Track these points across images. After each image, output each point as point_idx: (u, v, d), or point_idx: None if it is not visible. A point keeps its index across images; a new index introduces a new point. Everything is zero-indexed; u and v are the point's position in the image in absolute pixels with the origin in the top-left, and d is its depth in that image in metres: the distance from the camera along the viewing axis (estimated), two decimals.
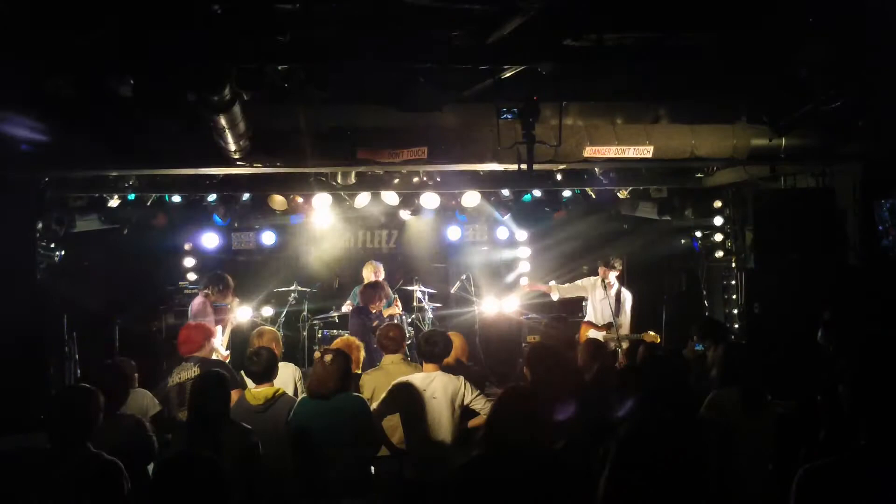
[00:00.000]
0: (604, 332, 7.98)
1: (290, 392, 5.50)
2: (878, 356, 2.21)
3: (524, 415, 3.22)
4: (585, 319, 8.48)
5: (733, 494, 4.28)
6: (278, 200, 9.06)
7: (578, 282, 8.60)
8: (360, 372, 5.68)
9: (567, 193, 9.33)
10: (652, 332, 7.91)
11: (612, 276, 8.24)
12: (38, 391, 6.20)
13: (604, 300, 8.15)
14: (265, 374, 4.87)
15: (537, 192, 9.43)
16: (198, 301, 7.83)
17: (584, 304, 8.85)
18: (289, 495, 4.56)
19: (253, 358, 4.95)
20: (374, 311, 7.81)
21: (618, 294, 8.23)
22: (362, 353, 5.90)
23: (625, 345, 7.98)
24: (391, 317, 8.21)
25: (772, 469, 4.36)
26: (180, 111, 5.75)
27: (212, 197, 8.80)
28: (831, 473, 2.18)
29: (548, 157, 6.60)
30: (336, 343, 5.82)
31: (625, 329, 8.15)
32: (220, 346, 7.12)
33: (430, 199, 9.17)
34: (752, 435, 4.39)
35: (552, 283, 8.67)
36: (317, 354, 5.70)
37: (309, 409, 4.60)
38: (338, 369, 4.60)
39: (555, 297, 8.64)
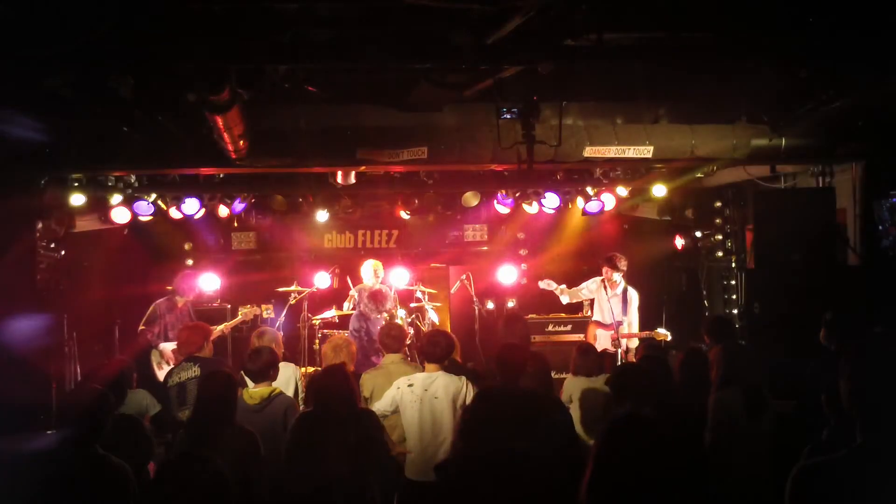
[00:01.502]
0: (612, 332, 7.97)
1: (291, 392, 5.51)
2: (879, 355, 2.21)
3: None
4: (593, 319, 8.48)
5: (734, 494, 4.29)
6: (278, 200, 9.05)
7: (584, 285, 8.59)
8: (352, 369, 5.69)
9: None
10: (662, 331, 7.89)
11: (617, 275, 8.23)
12: (39, 392, 6.20)
13: (610, 300, 8.13)
14: (262, 372, 4.87)
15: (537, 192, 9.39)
16: (157, 302, 7.97)
17: (584, 303, 8.85)
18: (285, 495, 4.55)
19: (252, 356, 4.96)
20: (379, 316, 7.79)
21: (624, 293, 8.22)
22: (353, 348, 5.89)
23: (633, 344, 7.99)
24: (391, 316, 8.21)
25: (771, 469, 4.37)
26: (180, 111, 5.76)
27: (212, 197, 8.79)
28: (826, 472, 2.18)
29: (548, 157, 6.59)
30: (325, 348, 5.83)
31: (633, 328, 8.14)
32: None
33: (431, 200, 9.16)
34: (752, 435, 4.40)
35: (563, 286, 8.66)
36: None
37: None
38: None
39: (564, 300, 8.63)
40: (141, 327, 7.85)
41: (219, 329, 7.64)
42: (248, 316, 8.00)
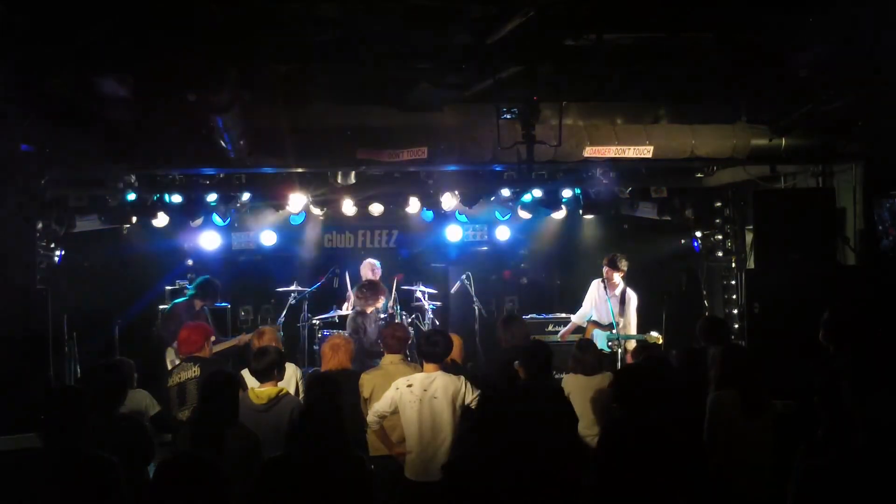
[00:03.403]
0: (608, 333, 7.97)
1: (292, 391, 5.51)
2: (879, 356, 2.21)
3: None
4: (591, 319, 8.47)
5: (733, 494, 4.29)
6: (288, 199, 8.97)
7: (586, 297, 8.57)
8: (350, 368, 5.69)
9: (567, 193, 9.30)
10: (654, 333, 7.89)
11: (617, 275, 8.22)
12: (39, 391, 6.19)
13: (609, 300, 8.13)
14: (268, 371, 4.87)
15: (537, 193, 9.39)
16: (176, 302, 7.99)
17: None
18: None
19: (258, 356, 4.96)
20: (370, 311, 7.76)
21: (622, 294, 8.21)
22: (352, 347, 5.88)
23: (630, 346, 7.98)
24: (391, 316, 8.18)
25: (771, 468, 4.37)
26: (180, 111, 5.76)
27: (212, 197, 8.78)
28: (832, 472, 2.18)
29: (548, 157, 6.60)
30: (324, 347, 5.81)
31: (630, 330, 8.13)
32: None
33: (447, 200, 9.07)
34: (752, 435, 4.39)
35: (573, 317, 8.66)
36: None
37: None
38: None
39: (583, 324, 8.62)
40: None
41: (238, 339, 7.63)
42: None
